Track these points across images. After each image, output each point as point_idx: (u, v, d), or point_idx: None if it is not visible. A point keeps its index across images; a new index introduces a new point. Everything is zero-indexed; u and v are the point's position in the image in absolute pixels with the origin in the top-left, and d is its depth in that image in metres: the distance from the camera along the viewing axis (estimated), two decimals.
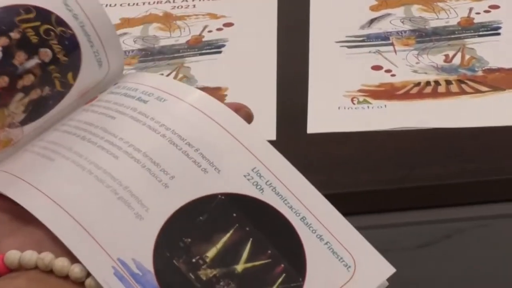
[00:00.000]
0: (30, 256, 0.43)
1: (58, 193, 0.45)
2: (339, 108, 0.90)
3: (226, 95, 0.95)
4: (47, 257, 0.43)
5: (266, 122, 0.90)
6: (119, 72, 0.54)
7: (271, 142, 0.87)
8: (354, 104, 0.90)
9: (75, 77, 0.51)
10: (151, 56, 1.04)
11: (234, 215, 0.45)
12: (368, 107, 0.90)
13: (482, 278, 0.97)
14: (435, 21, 1.03)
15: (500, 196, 0.83)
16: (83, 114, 0.50)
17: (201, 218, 0.44)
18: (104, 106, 0.50)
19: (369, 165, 0.83)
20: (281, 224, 0.45)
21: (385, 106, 0.90)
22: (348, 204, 0.82)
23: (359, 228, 0.86)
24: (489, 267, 0.96)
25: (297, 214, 0.45)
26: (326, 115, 0.90)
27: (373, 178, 0.82)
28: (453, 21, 1.03)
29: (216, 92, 0.95)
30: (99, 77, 0.52)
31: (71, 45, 0.51)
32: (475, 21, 1.02)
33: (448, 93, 0.90)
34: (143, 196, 0.44)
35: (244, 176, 0.46)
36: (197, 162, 0.46)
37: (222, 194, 0.45)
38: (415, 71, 0.94)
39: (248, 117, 0.52)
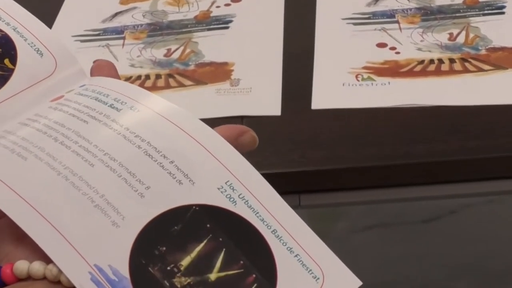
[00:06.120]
0: (38, 267, 0.44)
1: (34, 197, 0.45)
2: (343, 84, 0.91)
3: (232, 70, 0.96)
4: (54, 268, 0.44)
5: (272, 98, 0.91)
6: (74, 64, 0.55)
7: (276, 117, 0.91)
8: (358, 81, 0.91)
9: (13, 62, 0.54)
10: (160, 30, 1.05)
11: (208, 225, 0.46)
12: (372, 84, 0.91)
13: (486, 252, 0.98)
14: None
15: (501, 173, 0.84)
16: (51, 112, 0.51)
17: (176, 227, 0.45)
18: (74, 108, 0.51)
19: (372, 141, 0.84)
20: (253, 235, 0.46)
21: (389, 83, 0.91)
22: (351, 179, 0.85)
23: (363, 203, 0.88)
24: (493, 241, 0.97)
25: (269, 227, 0.47)
26: (330, 91, 0.91)
27: (376, 153, 0.83)
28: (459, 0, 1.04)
29: (223, 67, 0.97)
30: (48, 67, 0.55)
31: (3, 40, 0.54)
32: None
33: (451, 71, 0.91)
34: (119, 205, 0.45)
35: (218, 188, 0.47)
36: (172, 174, 0.47)
37: (196, 205, 0.46)
38: (419, 49, 0.95)
39: (253, 141, 0.52)
